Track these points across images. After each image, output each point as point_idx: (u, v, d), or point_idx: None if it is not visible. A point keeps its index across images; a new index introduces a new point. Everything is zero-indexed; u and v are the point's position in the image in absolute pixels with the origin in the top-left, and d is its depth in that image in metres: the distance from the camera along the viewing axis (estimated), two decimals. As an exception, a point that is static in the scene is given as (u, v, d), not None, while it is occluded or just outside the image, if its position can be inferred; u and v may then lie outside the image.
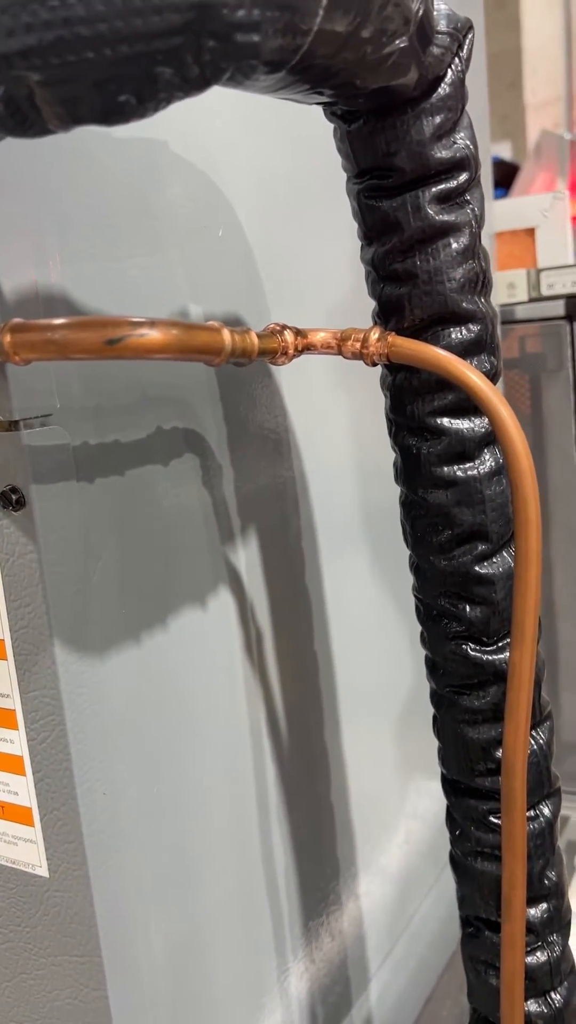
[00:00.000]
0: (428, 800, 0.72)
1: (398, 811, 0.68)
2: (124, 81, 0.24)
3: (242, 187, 0.48)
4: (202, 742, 0.46)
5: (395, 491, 0.42)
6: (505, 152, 2.07)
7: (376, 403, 0.47)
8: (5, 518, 0.36)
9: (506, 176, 1.36)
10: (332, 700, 0.58)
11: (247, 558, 0.48)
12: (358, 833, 0.61)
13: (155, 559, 0.42)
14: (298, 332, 0.36)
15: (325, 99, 0.33)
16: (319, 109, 0.37)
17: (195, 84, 0.25)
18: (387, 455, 0.42)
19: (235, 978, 0.49)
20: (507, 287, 0.92)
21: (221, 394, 0.46)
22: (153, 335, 0.29)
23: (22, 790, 0.40)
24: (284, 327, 0.36)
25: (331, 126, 0.38)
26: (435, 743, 0.44)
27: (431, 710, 0.44)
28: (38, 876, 0.40)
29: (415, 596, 0.42)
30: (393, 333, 0.36)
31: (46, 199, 0.36)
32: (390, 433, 0.40)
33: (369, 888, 0.63)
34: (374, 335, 0.36)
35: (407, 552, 0.42)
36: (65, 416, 0.37)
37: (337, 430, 0.58)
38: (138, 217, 0.41)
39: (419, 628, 0.43)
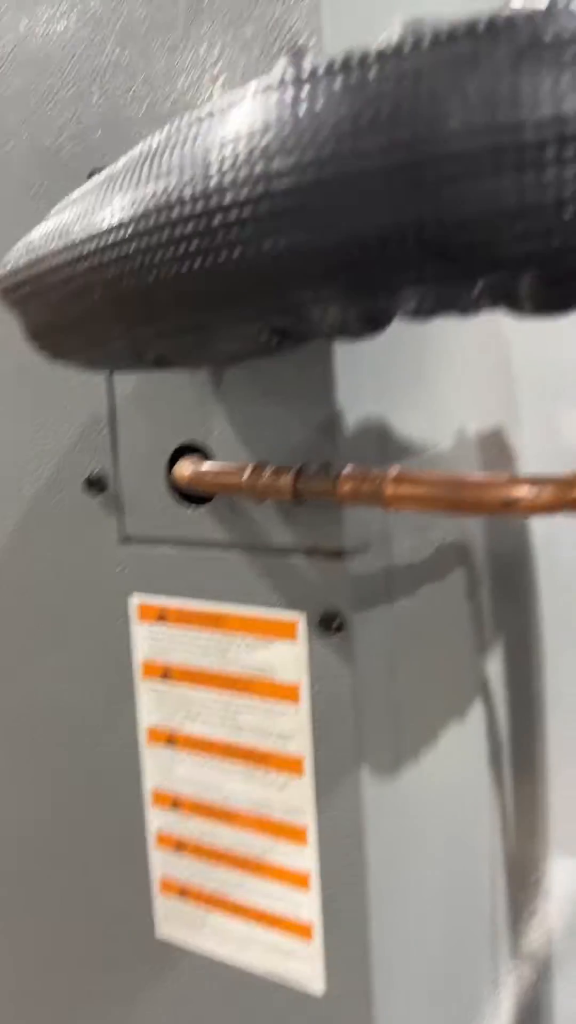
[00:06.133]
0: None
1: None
2: None
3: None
4: (471, 853, 0.45)
5: None
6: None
7: None
8: (319, 640, 0.37)
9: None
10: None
11: (494, 667, 0.48)
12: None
13: (432, 671, 0.42)
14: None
15: None
16: None
17: None
18: None
19: None
20: None
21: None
22: (545, 496, 0.29)
23: (304, 905, 0.40)
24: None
25: None
26: None
27: None
28: (310, 995, 0.40)
29: None
30: None
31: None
32: None
33: None
34: None
35: None
36: (376, 540, 0.37)
37: None
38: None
39: None
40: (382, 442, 0.37)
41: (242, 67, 0.35)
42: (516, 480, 0.29)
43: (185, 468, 0.37)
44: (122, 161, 0.28)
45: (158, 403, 0.40)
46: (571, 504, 0.31)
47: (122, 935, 0.47)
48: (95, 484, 0.42)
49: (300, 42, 0.33)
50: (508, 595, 0.50)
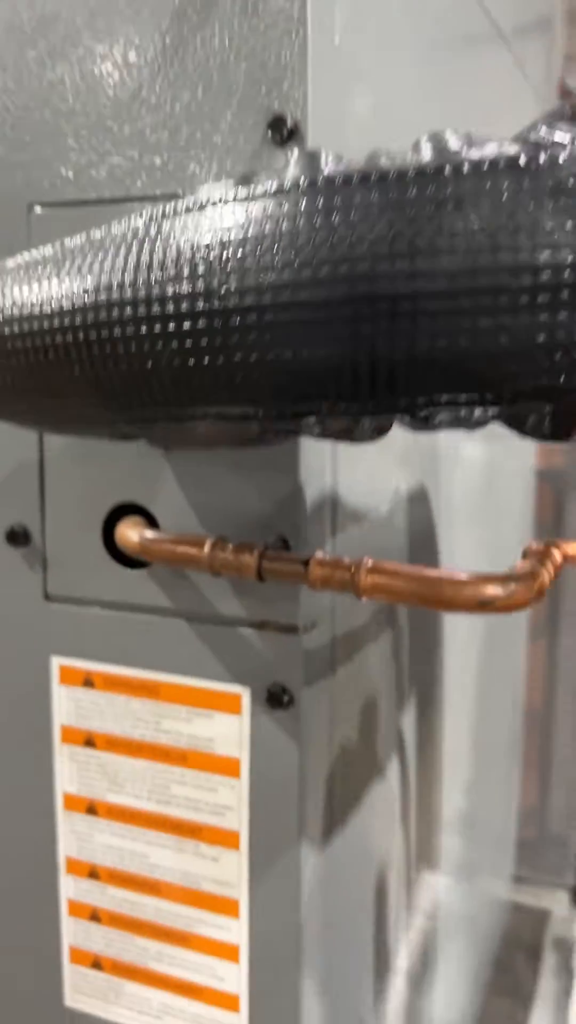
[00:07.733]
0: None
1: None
2: None
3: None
4: (383, 895, 0.46)
5: None
6: None
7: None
8: (265, 715, 0.36)
9: None
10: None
11: (408, 720, 0.49)
12: None
13: (360, 733, 0.42)
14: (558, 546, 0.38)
15: None
16: None
17: None
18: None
19: None
20: None
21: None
22: (520, 592, 0.29)
23: (230, 977, 0.39)
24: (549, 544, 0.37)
25: None
26: None
27: None
28: (234, 1063, 0.39)
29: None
30: None
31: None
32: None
33: None
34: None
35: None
36: (325, 613, 0.37)
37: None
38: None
39: None
40: (332, 512, 0.37)
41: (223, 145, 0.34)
42: (487, 579, 0.30)
43: (131, 534, 0.35)
44: (104, 235, 0.26)
45: (96, 457, 0.37)
46: (536, 599, 0.31)
47: (27, 1002, 0.44)
48: (16, 537, 0.39)
49: (287, 121, 0.31)
50: (422, 649, 0.51)
